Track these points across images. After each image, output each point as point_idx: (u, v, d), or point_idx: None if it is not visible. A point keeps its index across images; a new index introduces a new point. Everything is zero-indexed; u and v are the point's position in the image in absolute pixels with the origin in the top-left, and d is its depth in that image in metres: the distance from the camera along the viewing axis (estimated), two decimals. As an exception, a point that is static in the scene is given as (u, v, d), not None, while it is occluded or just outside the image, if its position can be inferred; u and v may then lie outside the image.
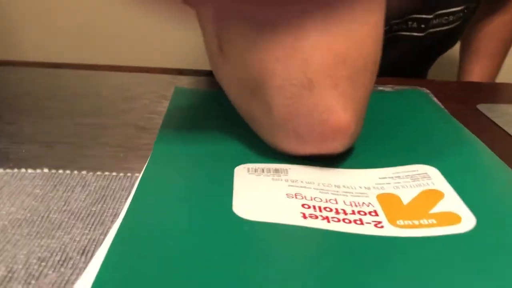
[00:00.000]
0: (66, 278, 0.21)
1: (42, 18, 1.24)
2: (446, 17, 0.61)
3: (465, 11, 0.62)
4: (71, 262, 0.22)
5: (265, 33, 0.27)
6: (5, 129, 0.36)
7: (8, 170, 0.30)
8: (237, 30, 0.28)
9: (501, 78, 0.73)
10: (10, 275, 0.21)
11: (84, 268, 0.22)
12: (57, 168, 0.30)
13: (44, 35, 1.26)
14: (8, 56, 1.26)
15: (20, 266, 0.22)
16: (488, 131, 0.39)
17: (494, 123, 0.41)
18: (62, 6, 1.21)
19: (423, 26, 0.60)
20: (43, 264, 0.22)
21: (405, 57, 0.64)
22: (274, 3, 0.27)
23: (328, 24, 0.26)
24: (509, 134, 0.39)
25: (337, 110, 0.27)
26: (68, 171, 0.30)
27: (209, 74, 0.52)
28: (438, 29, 0.62)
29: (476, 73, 0.72)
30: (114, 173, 0.30)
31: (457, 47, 0.75)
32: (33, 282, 0.21)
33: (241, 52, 0.29)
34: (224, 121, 0.36)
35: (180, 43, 1.19)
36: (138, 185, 0.26)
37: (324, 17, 0.26)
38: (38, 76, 0.49)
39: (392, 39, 0.62)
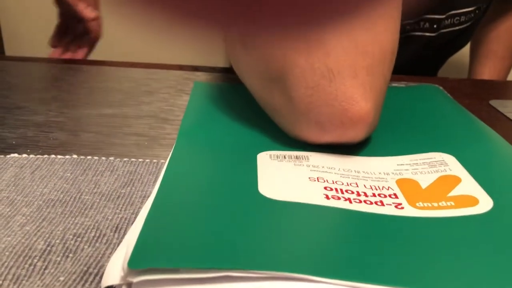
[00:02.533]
0: (102, 252, 0.22)
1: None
2: (458, 18, 0.62)
3: (476, 11, 0.63)
4: (105, 238, 0.23)
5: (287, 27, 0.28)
6: (33, 119, 0.37)
7: (39, 156, 0.31)
8: None
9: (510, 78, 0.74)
10: (49, 248, 0.22)
11: (118, 244, 0.23)
12: (85, 155, 0.32)
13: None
14: (19, 53, 1.28)
15: (58, 241, 0.23)
16: (501, 125, 0.40)
17: (508, 117, 0.42)
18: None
19: (435, 26, 0.61)
20: (79, 239, 0.23)
21: (417, 57, 0.65)
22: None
23: None
24: (522, 128, 0.39)
25: (357, 99, 0.28)
26: (96, 157, 0.31)
27: (225, 70, 0.53)
28: (449, 29, 0.63)
29: (486, 75, 0.72)
30: (140, 159, 0.31)
31: (466, 49, 0.76)
32: (70, 255, 0.22)
33: (263, 45, 0.30)
34: (244, 112, 0.37)
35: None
36: (166, 168, 0.27)
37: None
38: (59, 72, 0.50)
39: (404, 39, 0.63)
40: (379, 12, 0.28)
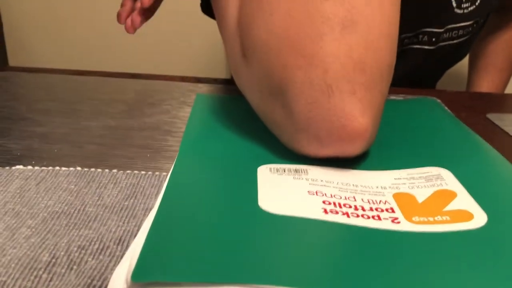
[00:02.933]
0: (105, 264, 0.23)
1: (62, 29, 1.28)
2: (456, 31, 0.62)
3: (474, 25, 0.63)
4: (109, 251, 0.24)
5: (287, 42, 0.29)
6: (37, 130, 0.38)
7: (44, 168, 0.31)
8: (260, 37, 0.30)
9: (508, 90, 0.74)
10: (54, 260, 0.23)
11: (121, 256, 0.23)
12: (88, 167, 0.32)
13: (66, 45, 1.30)
14: (23, 64, 1.29)
15: (62, 253, 0.23)
16: (498, 139, 0.41)
17: (504, 131, 0.42)
18: (82, 17, 1.24)
19: (433, 39, 0.62)
20: (83, 251, 0.24)
21: (415, 70, 0.65)
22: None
23: (346, 33, 0.28)
24: (519, 142, 0.40)
25: (355, 115, 0.29)
26: (99, 170, 0.32)
27: (227, 82, 0.54)
28: (448, 42, 0.64)
29: (485, 87, 0.73)
30: (143, 172, 0.32)
31: (464, 62, 0.77)
32: (75, 267, 0.22)
33: (263, 59, 0.30)
34: (245, 125, 0.37)
35: (197, 52, 1.22)
36: (168, 183, 0.28)
37: (343, 27, 0.28)
38: (64, 82, 0.51)
39: (403, 52, 0.63)
40: (377, 29, 0.29)
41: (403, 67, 0.55)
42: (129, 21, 0.57)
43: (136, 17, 0.56)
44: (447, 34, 0.62)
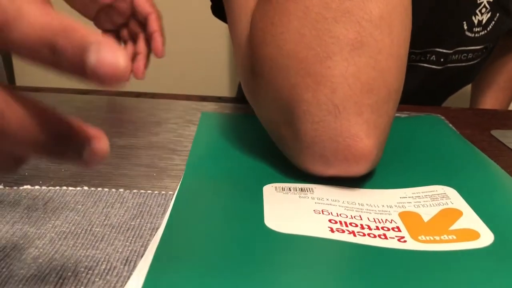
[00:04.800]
0: (112, 285, 0.23)
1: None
2: (466, 54, 0.62)
3: (484, 50, 0.63)
4: (116, 271, 0.24)
5: (295, 61, 0.29)
6: (44, 150, 0.38)
7: (51, 188, 0.32)
8: (269, 54, 0.31)
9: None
10: (61, 281, 0.23)
11: (128, 277, 0.24)
12: (95, 186, 0.32)
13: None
14: (30, 83, 1.30)
15: (70, 274, 0.23)
16: (502, 155, 0.41)
17: (509, 148, 0.42)
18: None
19: (442, 60, 0.62)
20: (90, 272, 0.24)
21: (419, 88, 0.65)
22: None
23: (355, 55, 0.28)
24: (523, 159, 0.40)
25: (360, 136, 0.29)
26: (106, 189, 0.32)
27: (232, 100, 0.54)
28: (456, 64, 0.63)
29: (488, 105, 0.73)
30: (149, 191, 0.32)
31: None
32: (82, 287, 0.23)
33: (271, 76, 0.31)
34: (250, 143, 0.38)
35: (201, 70, 1.23)
36: (174, 202, 0.28)
37: (352, 48, 0.28)
38: (70, 102, 0.52)
39: (408, 68, 0.63)
40: (386, 51, 0.29)
41: (407, 84, 0.55)
42: (136, 68, 0.57)
43: (143, 63, 0.56)
44: (456, 56, 0.62)
